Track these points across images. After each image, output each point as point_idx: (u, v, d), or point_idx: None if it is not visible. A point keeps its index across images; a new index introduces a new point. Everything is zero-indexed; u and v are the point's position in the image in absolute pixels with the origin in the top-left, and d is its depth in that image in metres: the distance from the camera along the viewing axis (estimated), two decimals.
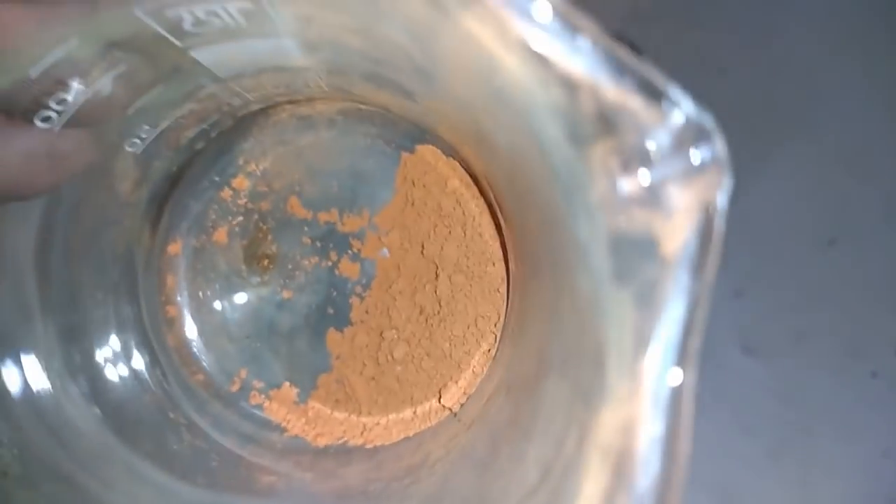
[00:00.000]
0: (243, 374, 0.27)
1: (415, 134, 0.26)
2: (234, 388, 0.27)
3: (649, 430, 0.10)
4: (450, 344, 0.25)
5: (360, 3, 0.14)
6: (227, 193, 0.27)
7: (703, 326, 0.10)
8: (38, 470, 0.17)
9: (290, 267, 0.27)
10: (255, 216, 0.27)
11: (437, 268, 0.25)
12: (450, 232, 0.25)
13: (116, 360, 0.23)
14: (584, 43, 0.11)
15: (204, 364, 0.27)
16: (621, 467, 0.11)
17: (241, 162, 0.27)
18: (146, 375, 0.25)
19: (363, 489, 0.23)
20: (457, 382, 0.25)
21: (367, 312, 0.26)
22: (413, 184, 0.26)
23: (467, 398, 0.25)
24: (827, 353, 0.29)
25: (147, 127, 0.22)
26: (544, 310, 0.17)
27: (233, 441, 0.26)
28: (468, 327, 0.25)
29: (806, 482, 0.29)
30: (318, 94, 0.26)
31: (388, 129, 0.27)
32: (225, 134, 0.26)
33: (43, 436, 0.18)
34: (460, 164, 0.26)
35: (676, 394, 0.10)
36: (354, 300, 0.26)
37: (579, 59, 0.11)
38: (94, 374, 0.22)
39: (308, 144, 0.27)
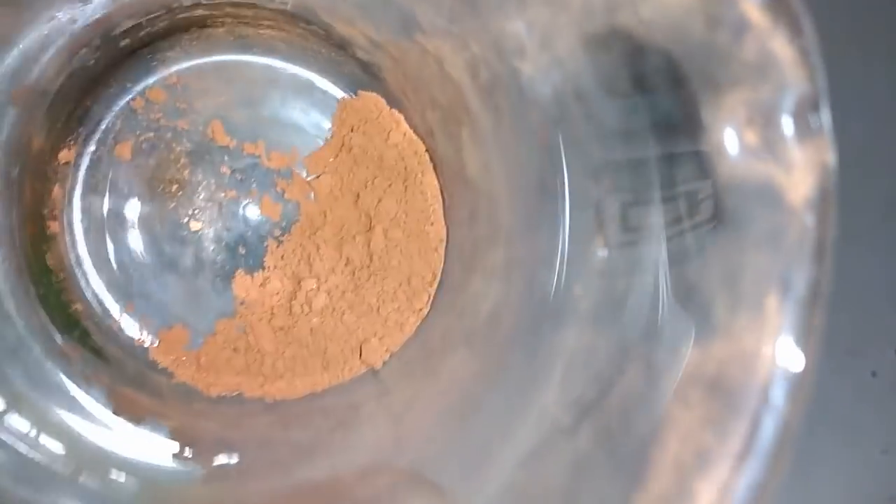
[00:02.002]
0: (130, 307, 0.24)
1: (360, 79, 0.25)
2: (118, 324, 0.24)
3: (773, 364, 0.11)
4: (377, 299, 0.24)
5: None
6: (139, 103, 0.24)
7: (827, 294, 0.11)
8: None
9: (201, 196, 0.24)
10: (169, 135, 0.24)
11: (372, 220, 0.24)
12: (390, 185, 0.24)
13: None
14: None
15: (85, 292, 0.23)
16: (734, 396, 0.11)
17: (161, 71, 0.24)
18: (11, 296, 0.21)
19: (284, 436, 0.22)
20: (381, 339, 0.24)
21: (282, 258, 0.25)
22: (352, 130, 0.25)
23: (390, 356, 0.24)
24: (827, 351, 0.31)
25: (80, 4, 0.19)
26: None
27: (110, 379, 0.23)
28: (400, 284, 0.24)
29: (806, 480, 0.29)
30: (269, 16, 0.24)
31: (331, 68, 0.25)
32: (152, 36, 0.23)
33: None
34: (407, 114, 0.25)
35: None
36: (271, 243, 0.25)
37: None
38: None
39: (242, 67, 0.25)
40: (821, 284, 0.11)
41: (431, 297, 0.24)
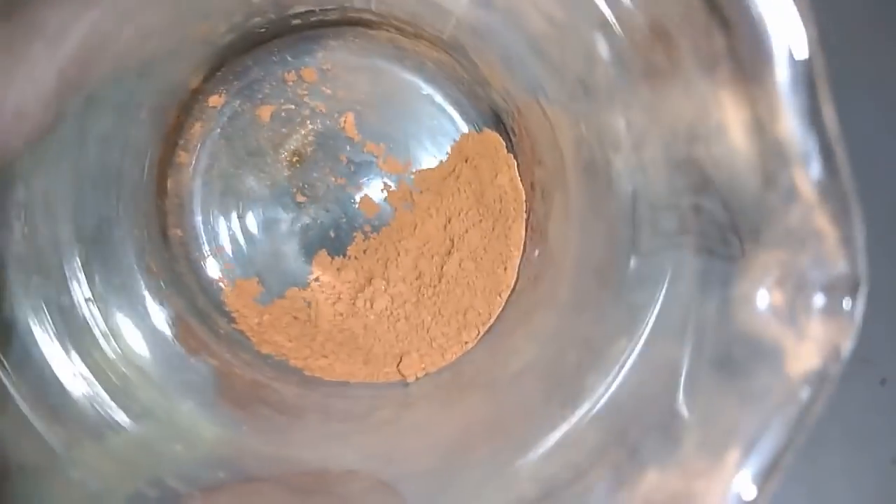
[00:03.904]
0: (220, 249, 0.26)
1: (488, 118, 0.26)
2: (204, 259, 0.26)
3: None
4: (432, 319, 0.25)
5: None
6: (291, 76, 0.26)
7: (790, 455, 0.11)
8: None
9: (315, 175, 0.26)
10: (307, 111, 0.26)
11: (454, 246, 0.26)
12: (480, 221, 0.26)
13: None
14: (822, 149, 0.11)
15: (187, 218, 0.26)
16: None
17: (320, 55, 0.26)
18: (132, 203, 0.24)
19: (294, 408, 0.23)
20: (422, 356, 0.25)
21: (364, 252, 0.26)
22: (466, 160, 0.26)
23: (425, 375, 0.25)
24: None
25: None
26: (583, 345, 0.17)
27: (182, 306, 0.25)
28: (457, 313, 0.25)
29: (814, 489, 0.29)
30: (427, 38, 0.25)
31: (467, 100, 0.27)
32: (321, 23, 0.25)
33: None
34: (517, 164, 0.26)
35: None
36: (358, 235, 0.26)
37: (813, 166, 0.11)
38: None
39: (390, 74, 0.26)
40: (783, 458, 0.11)
41: (481, 336, 0.25)
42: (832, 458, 0.29)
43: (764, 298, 0.12)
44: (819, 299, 0.12)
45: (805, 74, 0.11)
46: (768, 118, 0.11)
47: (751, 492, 0.11)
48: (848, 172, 0.11)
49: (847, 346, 0.12)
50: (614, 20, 0.14)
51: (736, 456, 0.12)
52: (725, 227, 0.13)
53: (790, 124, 0.11)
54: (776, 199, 0.12)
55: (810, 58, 0.10)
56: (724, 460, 0.12)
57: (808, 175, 0.11)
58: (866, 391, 0.29)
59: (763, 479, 0.11)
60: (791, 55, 0.11)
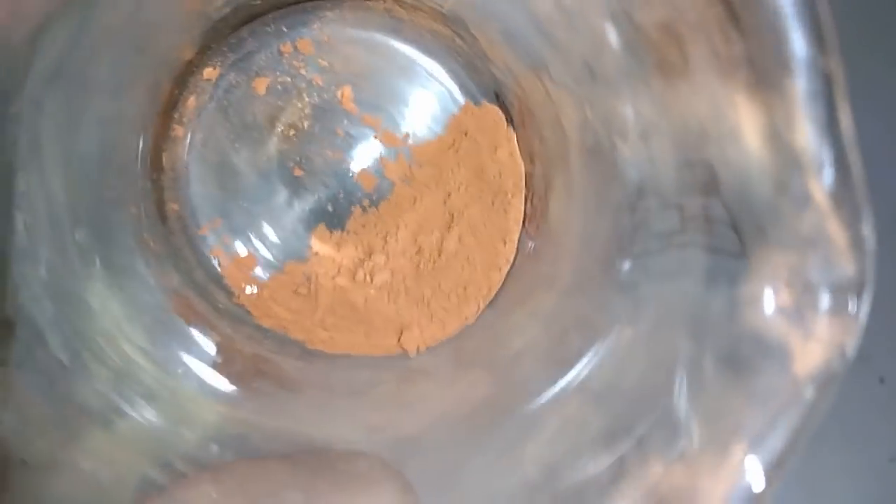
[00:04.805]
0: (217, 223, 0.26)
1: (488, 92, 0.26)
2: (202, 231, 0.26)
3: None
4: (432, 293, 0.25)
5: None
6: (287, 48, 0.26)
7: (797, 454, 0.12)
8: None
9: (312, 148, 0.26)
10: (303, 84, 0.26)
11: (453, 221, 0.26)
12: (480, 195, 0.26)
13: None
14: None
15: (183, 196, 0.26)
16: None
17: (316, 26, 0.26)
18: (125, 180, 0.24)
19: (296, 382, 0.24)
20: (422, 330, 0.25)
21: (363, 227, 0.26)
22: (465, 134, 0.26)
23: (426, 348, 0.25)
24: None
25: None
26: (588, 326, 0.17)
27: (180, 282, 0.25)
28: (456, 287, 0.25)
29: (812, 487, 0.29)
30: (426, 11, 0.25)
31: (466, 74, 0.26)
32: None
33: None
34: (518, 138, 0.26)
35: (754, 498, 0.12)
36: (357, 210, 0.26)
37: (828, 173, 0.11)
38: None
39: (387, 47, 0.26)
40: (788, 454, 0.12)
41: (480, 310, 0.25)
42: (830, 456, 0.29)
43: (771, 298, 0.13)
44: (826, 300, 0.12)
45: (824, 84, 0.11)
46: (784, 126, 0.11)
47: (760, 483, 0.12)
48: (863, 182, 0.11)
49: (852, 346, 0.12)
50: (628, 12, 0.14)
51: (741, 453, 0.12)
52: (732, 228, 0.13)
53: (806, 133, 0.11)
54: (788, 204, 0.12)
55: (830, 68, 0.10)
56: (730, 457, 0.12)
57: (821, 183, 0.11)
58: (865, 389, 0.29)
59: (768, 477, 0.12)
60: (811, 65, 0.11)
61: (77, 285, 0.19)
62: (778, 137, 0.11)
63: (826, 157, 0.11)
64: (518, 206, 0.26)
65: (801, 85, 0.11)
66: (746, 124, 0.12)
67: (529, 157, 0.25)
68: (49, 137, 0.18)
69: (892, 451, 0.29)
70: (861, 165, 0.11)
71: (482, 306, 0.25)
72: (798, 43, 0.11)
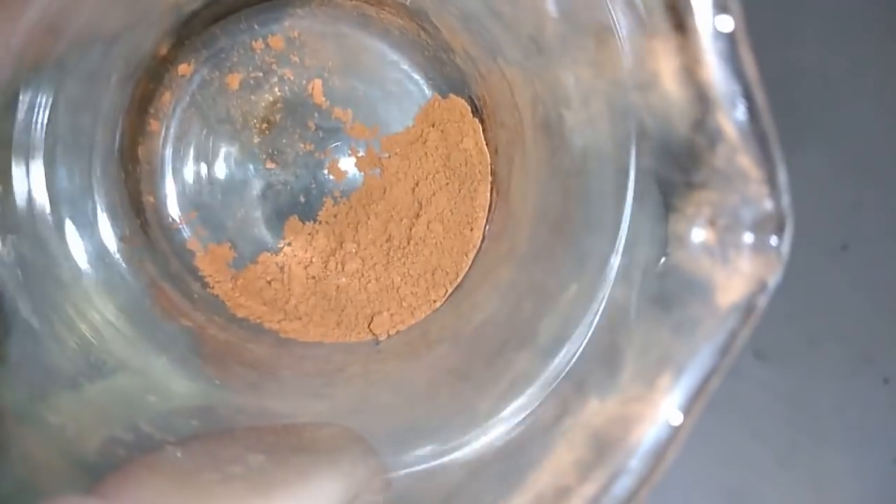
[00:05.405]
0: (192, 215, 0.27)
1: (454, 83, 0.27)
2: (176, 225, 0.27)
3: (648, 433, 0.12)
4: (401, 280, 0.26)
5: None
6: (258, 45, 0.27)
7: (716, 387, 0.12)
8: None
9: (284, 141, 0.27)
10: (275, 79, 0.27)
11: (421, 209, 0.26)
12: (447, 183, 0.26)
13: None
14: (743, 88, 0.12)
15: (159, 188, 0.27)
16: (606, 449, 0.12)
17: (286, 23, 0.27)
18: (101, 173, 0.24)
19: (269, 366, 0.24)
20: (392, 315, 0.26)
21: (334, 217, 0.27)
22: (433, 125, 0.27)
23: (396, 332, 0.26)
24: (839, 358, 0.29)
25: None
26: (532, 288, 0.18)
27: (156, 272, 0.26)
28: (425, 273, 0.26)
29: (816, 487, 0.29)
30: (391, 5, 0.26)
31: (432, 65, 0.27)
32: None
33: None
34: (484, 128, 0.27)
35: (674, 430, 0.12)
36: (328, 200, 0.27)
37: (738, 109, 0.12)
38: None
39: (355, 41, 0.27)
40: (712, 381, 0.12)
41: (448, 294, 0.26)
42: (834, 457, 0.29)
43: (697, 236, 0.13)
44: (748, 237, 0.13)
45: (724, 23, 0.11)
46: (694, 64, 0.12)
47: (677, 418, 0.12)
48: (769, 117, 0.12)
49: (774, 280, 0.13)
50: None
51: (667, 380, 0.12)
52: (662, 174, 0.14)
53: (713, 70, 0.12)
54: (703, 141, 0.12)
55: (728, 5, 0.11)
56: (657, 385, 0.12)
57: (731, 118, 0.12)
58: (869, 391, 0.29)
59: (691, 401, 0.12)
60: (712, 4, 0.11)
61: (51, 262, 0.20)
62: (690, 76, 0.12)
63: (734, 91, 0.12)
64: (484, 193, 0.27)
65: (704, 23, 0.11)
66: (663, 68, 0.12)
67: (494, 146, 0.26)
68: (27, 120, 0.19)
69: (895, 452, 0.30)
70: (766, 101, 0.12)
71: (450, 290, 0.26)
72: None
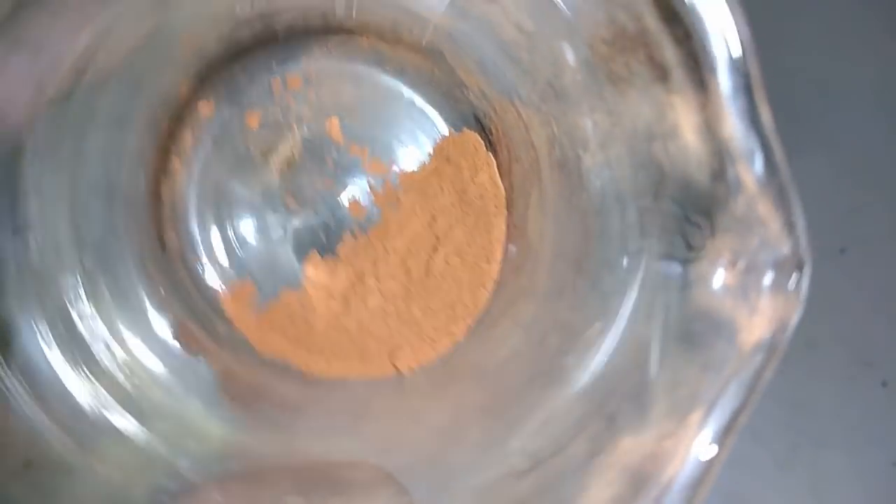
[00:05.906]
0: (214, 254, 0.27)
1: (468, 119, 0.28)
2: (199, 264, 0.27)
3: (681, 469, 0.13)
4: (422, 314, 0.26)
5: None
6: (277, 84, 0.27)
7: (746, 421, 0.13)
8: None
9: (303, 179, 0.28)
10: (293, 117, 0.27)
11: (439, 243, 0.27)
12: (463, 217, 0.27)
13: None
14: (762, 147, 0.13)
15: (182, 225, 0.27)
16: (641, 485, 0.13)
17: (304, 63, 0.27)
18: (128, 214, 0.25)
19: (295, 404, 0.25)
20: (414, 350, 0.26)
21: (353, 252, 0.27)
22: (448, 160, 0.28)
23: (418, 366, 0.26)
24: (837, 361, 0.29)
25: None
26: (559, 326, 0.19)
27: (182, 312, 0.26)
28: (445, 307, 0.26)
29: (815, 491, 0.29)
30: (407, 45, 0.27)
31: (446, 102, 0.28)
32: (305, 31, 0.27)
33: None
34: (496, 162, 0.27)
35: (707, 466, 0.13)
36: (348, 236, 0.27)
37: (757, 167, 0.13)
38: None
39: (371, 79, 0.28)
40: (741, 417, 0.13)
41: (469, 327, 0.26)
42: (834, 460, 0.29)
43: (719, 279, 0.14)
44: (768, 279, 0.14)
45: (743, 81, 0.12)
46: (714, 121, 0.12)
47: (711, 451, 0.13)
48: (786, 166, 0.13)
49: (794, 319, 0.13)
50: (579, 31, 0.15)
51: (698, 417, 0.13)
52: (682, 219, 0.14)
53: (733, 126, 0.12)
54: (723, 190, 0.13)
55: (747, 66, 0.12)
56: (688, 421, 0.13)
57: (750, 170, 0.13)
58: (868, 394, 0.30)
59: (723, 436, 0.13)
60: (731, 65, 0.12)
61: (79, 308, 0.21)
62: (710, 131, 0.12)
63: (751, 145, 0.12)
64: (500, 226, 0.27)
65: (724, 83, 0.12)
66: (683, 122, 0.13)
67: (508, 179, 0.27)
68: (53, 162, 0.20)
69: (894, 455, 0.30)
70: (783, 152, 0.12)
71: (470, 323, 0.27)
72: (720, 47, 0.12)
